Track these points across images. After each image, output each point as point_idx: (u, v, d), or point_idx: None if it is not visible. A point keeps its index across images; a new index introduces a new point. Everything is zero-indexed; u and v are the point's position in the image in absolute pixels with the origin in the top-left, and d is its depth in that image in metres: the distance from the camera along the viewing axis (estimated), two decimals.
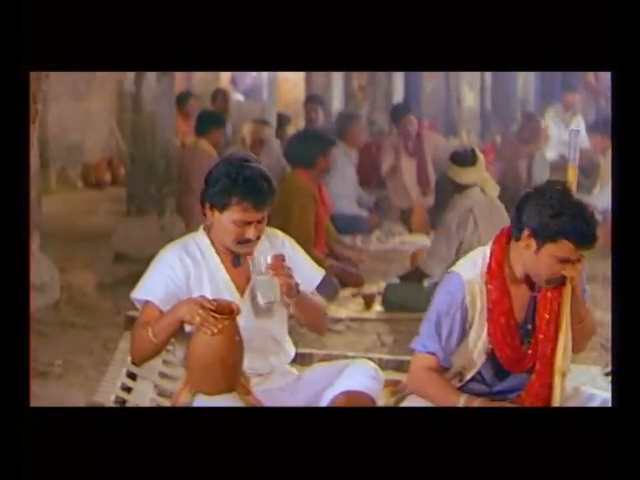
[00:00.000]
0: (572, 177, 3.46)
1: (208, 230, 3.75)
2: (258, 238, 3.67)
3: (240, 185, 3.58)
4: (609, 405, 3.40)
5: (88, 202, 10.10)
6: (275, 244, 3.79)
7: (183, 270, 3.68)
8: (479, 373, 3.59)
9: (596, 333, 5.63)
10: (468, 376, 3.58)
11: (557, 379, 3.44)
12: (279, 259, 3.64)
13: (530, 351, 3.52)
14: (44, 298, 6.37)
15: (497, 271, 3.51)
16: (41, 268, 6.37)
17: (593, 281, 7.02)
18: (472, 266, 3.58)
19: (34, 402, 3.24)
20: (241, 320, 3.60)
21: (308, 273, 3.83)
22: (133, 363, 4.15)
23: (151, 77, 7.73)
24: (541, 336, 3.49)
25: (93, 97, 11.10)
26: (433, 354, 3.56)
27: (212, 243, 3.73)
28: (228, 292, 3.69)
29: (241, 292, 3.73)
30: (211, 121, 8.34)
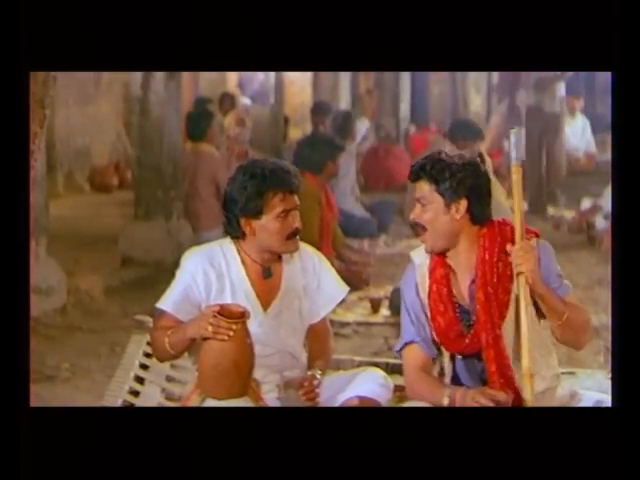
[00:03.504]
0: (517, 175, 3.47)
1: (237, 239, 3.71)
2: (300, 231, 3.67)
3: (269, 178, 3.58)
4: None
5: (95, 206, 10.14)
6: (305, 260, 3.78)
7: (205, 283, 3.66)
8: (454, 371, 3.60)
9: (600, 336, 5.66)
10: (447, 366, 3.59)
11: (526, 382, 3.40)
12: (311, 381, 3.62)
13: (469, 336, 3.51)
14: (51, 302, 6.38)
15: None
16: (48, 272, 6.38)
17: (599, 285, 7.03)
18: (424, 250, 3.64)
19: (41, 405, 3.24)
20: (262, 336, 3.61)
21: (332, 291, 3.84)
22: (141, 368, 4.16)
23: (158, 81, 7.73)
24: (478, 326, 3.49)
25: (100, 101, 11.14)
26: (413, 342, 3.58)
27: (240, 254, 3.70)
28: (251, 307, 3.62)
29: (265, 307, 3.71)
30: (202, 122, 8.27)
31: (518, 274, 3.41)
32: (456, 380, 3.61)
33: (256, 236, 3.64)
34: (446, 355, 3.60)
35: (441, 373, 3.63)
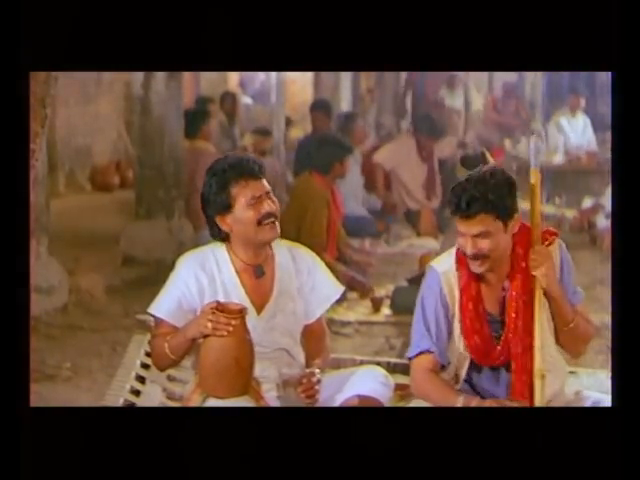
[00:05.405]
0: (535, 180, 3.47)
1: (226, 242, 3.72)
2: (276, 216, 3.63)
3: (228, 171, 3.61)
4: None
5: (96, 205, 10.12)
6: (299, 262, 3.79)
7: (197, 288, 3.67)
8: (468, 375, 3.58)
9: (602, 336, 5.66)
10: (462, 374, 3.58)
11: (537, 382, 3.42)
12: (310, 378, 3.61)
13: (499, 347, 3.50)
14: (52, 301, 6.39)
15: (464, 258, 3.51)
16: (49, 271, 6.38)
17: (601, 284, 7.02)
18: (447, 258, 3.60)
19: (42, 405, 3.24)
20: (256, 338, 3.59)
21: (327, 290, 3.84)
22: (143, 367, 4.16)
23: (159, 80, 7.73)
24: (510, 334, 3.48)
25: (101, 100, 11.13)
26: (428, 351, 3.56)
27: (231, 257, 3.71)
28: None
29: (258, 310, 3.71)
30: (197, 119, 8.27)
31: (533, 277, 3.43)
32: (470, 385, 3.60)
33: (234, 231, 3.65)
34: (465, 365, 3.57)
35: (456, 380, 3.60)
